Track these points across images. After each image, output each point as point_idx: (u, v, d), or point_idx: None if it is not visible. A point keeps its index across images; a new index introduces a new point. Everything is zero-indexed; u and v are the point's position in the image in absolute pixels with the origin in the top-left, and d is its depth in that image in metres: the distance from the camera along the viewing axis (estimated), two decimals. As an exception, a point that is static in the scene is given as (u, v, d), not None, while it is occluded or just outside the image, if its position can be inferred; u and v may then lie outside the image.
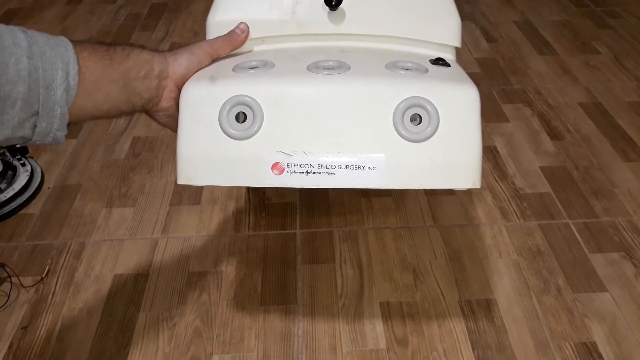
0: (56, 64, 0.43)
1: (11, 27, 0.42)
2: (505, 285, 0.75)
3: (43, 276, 0.77)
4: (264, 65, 0.52)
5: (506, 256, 0.79)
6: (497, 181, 0.93)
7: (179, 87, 0.52)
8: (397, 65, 0.51)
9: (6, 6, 1.60)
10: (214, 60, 0.54)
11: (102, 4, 1.60)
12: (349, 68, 0.50)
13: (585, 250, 0.80)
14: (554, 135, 1.04)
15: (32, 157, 0.99)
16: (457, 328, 0.69)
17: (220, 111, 0.48)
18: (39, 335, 0.70)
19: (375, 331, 0.69)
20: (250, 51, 0.57)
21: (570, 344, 0.67)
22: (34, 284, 0.76)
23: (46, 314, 0.72)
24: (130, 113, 0.51)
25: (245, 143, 0.48)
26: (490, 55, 1.31)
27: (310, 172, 0.47)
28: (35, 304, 0.74)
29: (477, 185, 0.48)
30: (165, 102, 0.52)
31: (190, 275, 0.77)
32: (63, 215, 0.88)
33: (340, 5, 0.56)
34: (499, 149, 1.00)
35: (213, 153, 0.48)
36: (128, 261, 0.80)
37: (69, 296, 0.75)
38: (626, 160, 0.97)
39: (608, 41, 1.36)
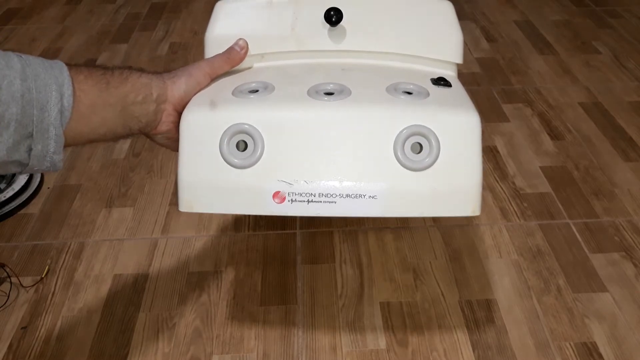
0: (50, 85, 0.42)
1: (5, 51, 0.42)
2: (505, 286, 0.75)
3: (43, 276, 0.77)
4: (264, 89, 0.51)
5: (506, 256, 0.79)
6: (497, 181, 0.93)
7: (178, 110, 0.52)
8: (398, 89, 0.51)
9: (6, 6, 1.60)
10: (213, 80, 0.54)
11: (101, 3, 1.60)
12: (349, 93, 0.50)
13: (586, 250, 0.80)
14: (554, 135, 1.04)
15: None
16: (457, 328, 0.69)
17: (221, 139, 0.48)
18: (38, 335, 0.69)
19: (375, 331, 0.69)
20: (250, 67, 0.56)
21: (570, 344, 0.67)
22: (34, 284, 0.76)
23: (46, 314, 0.72)
24: (127, 136, 0.51)
25: (246, 171, 0.48)
26: (491, 55, 1.31)
27: (312, 201, 0.47)
28: (35, 304, 0.74)
29: (477, 213, 0.48)
30: (164, 126, 0.52)
31: (190, 275, 0.77)
32: (63, 216, 0.88)
33: (341, 22, 0.55)
34: (499, 149, 1.00)
35: (214, 181, 0.48)
36: (128, 261, 0.80)
37: (69, 296, 0.75)
38: (626, 160, 0.97)
39: (608, 41, 1.36)
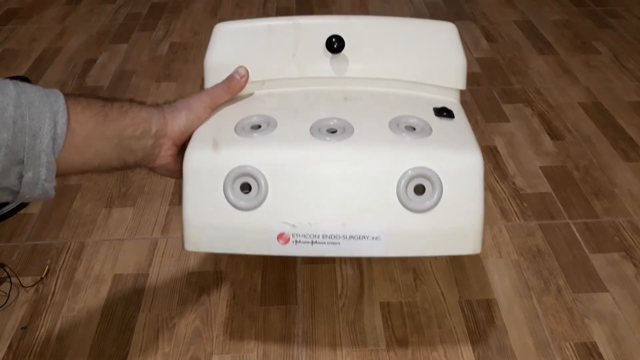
0: (44, 113, 0.42)
1: (2, 79, 0.42)
2: (505, 286, 0.75)
3: (43, 276, 0.77)
4: (266, 125, 0.51)
5: (506, 256, 0.79)
6: (497, 181, 0.93)
7: (177, 144, 0.51)
8: (401, 124, 0.51)
9: (6, 6, 1.60)
10: (213, 110, 0.54)
11: (101, 3, 1.60)
12: (352, 131, 0.49)
13: (586, 250, 0.80)
14: (554, 135, 1.04)
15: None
16: (457, 328, 0.69)
17: (224, 182, 0.48)
18: (38, 335, 0.69)
19: (375, 331, 0.69)
20: (251, 94, 0.56)
21: (570, 344, 0.67)
22: (34, 284, 0.76)
23: (46, 314, 0.72)
24: (122, 169, 0.50)
25: (250, 213, 0.48)
26: (491, 55, 1.31)
27: (316, 242, 0.48)
28: (35, 304, 0.74)
29: (478, 251, 0.49)
30: (162, 160, 0.52)
31: (190, 275, 0.77)
32: (63, 216, 0.88)
33: (342, 50, 0.54)
34: (499, 149, 1.00)
35: (219, 222, 0.49)
36: (128, 261, 0.80)
37: (69, 296, 0.75)
38: (626, 160, 0.97)
39: (608, 41, 1.36)
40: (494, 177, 0.94)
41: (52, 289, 0.76)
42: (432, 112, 0.53)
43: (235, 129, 0.51)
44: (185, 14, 1.53)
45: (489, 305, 0.72)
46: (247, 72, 0.55)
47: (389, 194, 0.47)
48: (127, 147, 0.48)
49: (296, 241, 0.48)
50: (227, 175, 0.48)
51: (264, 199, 0.47)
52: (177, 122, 0.51)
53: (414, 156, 0.47)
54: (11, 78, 1.20)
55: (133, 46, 1.37)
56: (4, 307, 0.73)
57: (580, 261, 0.78)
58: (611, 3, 1.54)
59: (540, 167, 0.96)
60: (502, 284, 0.75)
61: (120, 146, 0.48)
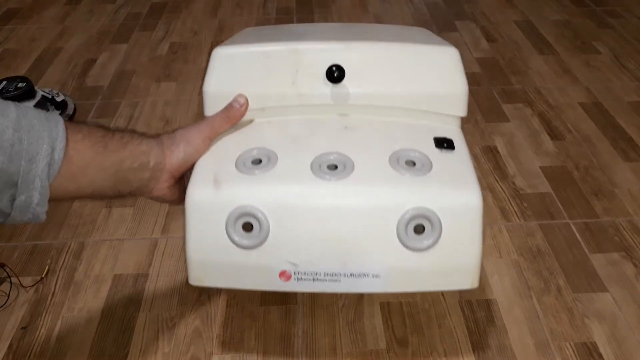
0: (43, 138, 0.42)
1: (5, 101, 0.42)
2: (505, 286, 0.75)
3: (43, 276, 0.77)
4: (267, 160, 0.51)
5: (506, 256, 0.79)
6: (497, 181, 0.93)
7: (175, 176, 0.52)
8: (401, 159, 0.51)
9: (6, 6, 1.60)
10: (212, 139, 0.54)
11: (101, 3, 1.60)
12: (352, 167, 0.50)
13: (586, 250, 0.80)
14: (555, 135, 1.04)
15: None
16: (457, 328, 0.69)
17: (227, 222, 0.48)
18: (38, 335, 0.69)
19: (375, 331, 0.69)
20: (250, 121, 0.56)
21: (570, 344, 0.67)
22: (34, 284, 0.76)
23: (46, 314, 0.72)
24: (116, 198, 0.50)
25: (252, 251, 0.49)
26: (491, 55, 1.31)
27: (317, 280, 0.49)
28: (35, 304, 0.74)
29: (475, 286, 0.50)
30: (159, 192, 0.52)
31: (190, 275, 0.77)
32: (63, 215, 0.88)
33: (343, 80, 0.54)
34: (499, 149, 1.00)
35: (222, 260, 0.49)
36: (128, 261, 0.80)
37: (69, 296, 0.75)
38: (626, 160, 0.97)
39: (608, 41, 1.36)
40: (494, 177, 0.94)
41: (52, 289, 0.76)
42: (432, 143, 0.53)
43: (236, 164, 0.51)
44: (185, 14, 1.53)
45: (489, 305, 0.72)
46: (247, 100, 0.54)
47: (388, 234, 0.48)
48: (123, 178, 0.48)
49: (298, 278, 0.49)
50: (229, 215, 0.48)
51: (266, 237, 0.48)
52: (175, 155, 0.51)
53: (414, 196, 0.48)
54: (11, 78, 1.19)
55: (133, 46, 1.38)
56: (4, 307, 0.73)
57: (580, 261, 0.78)
58: (611, 3, 1.54)
59: (540, 167, 0.96)
60: (502, 284, 0.75)
61: (117, 177, 0.48)
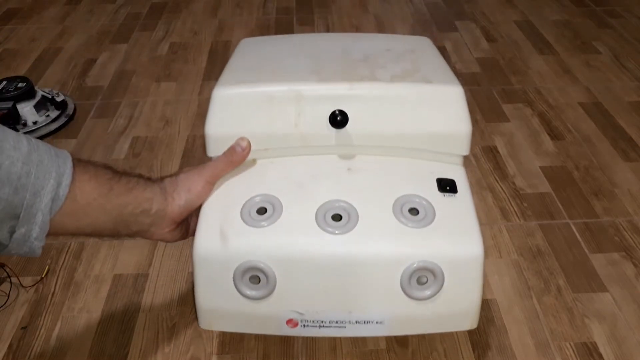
0: (50, 173, 0.42)
1: (19, 133, 0.43)
2: (505, 286, 0.75)
3: (43, 276, 0.77)
4: (272, 209, 0.51)
5: (506, 256, 0.79)
6: (497, 181, 0.93)
7: (176, 221, 0.52)
8: (405, 207, 0.51)
9: (6, 6, 1.60)
10: (214, 184, 0.54)
11: (101, 3, 1.60)
12: (356, 218, 0.50)
13: (586, 250, 0.80)
14: (555, 135, 1.04)
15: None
16: (457, 328, 0.69)
17: (234, 275, 0.49)
18: (38, 335, 0.70)
19: (376, 331, 0.69)
20: (253, 161, 0.56)
21: (570, 344, 0.67)
22: (34, 284, 0.76)
23: (46, 314, 0.72)
24: (114, 237, 0.51)
25: (260, 302, 0.50)
26: (491, 55, 1.31)
27: (323, 326, 0.51)
28: (35, 304, 0.74)
29: (474, 327, 0.52)
30: (159, 236, 0.53)
31: (190, 275, 0.77)
32: (63, 215, 0.88)
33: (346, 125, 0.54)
34: (499, 149, 1.00)
35: (230, 308, 0.51)
36: (128, 261, 0.80)
37: (69, 296, 0.75)
38: (626, 160, 0.97)
39: (609, 41, 1.36)
40: (494, 177, 0.94)
41: (52, 289, 0.76)
42: (435, 185, 0.53)
43: (241, 214, 0.51)
44: (185, 14, 1.53)
45: (489, 305, 0.72)
46: (249, 144, 0.54)
47: (392, 285, 0.49)
48: (124, 222, 0.49)
49: (304, 325, 0.51)
50: (237, 269, 0.49)
51: (273, 289, 0.49)
52: (176, 203, 0.51)
53: (417, 250, 0.49)
54: (11, 78, 1.19)
55: (133, 46, 1.38)
56: (3, 307, 0.73)
57: (580, 261, 0.79)
58: (611, 3, 1.55)
59: (540, 167, 0.96)
60: (502, 283, 0.75)
61: (118, 220, 0.48)
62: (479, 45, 1.35)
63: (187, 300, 0.74)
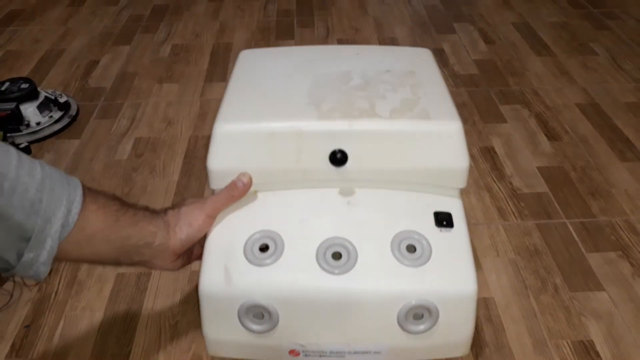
0: (61, 200, 0.43)
1: (33, 159, 0.44)
2: (503, 284, 0.76)
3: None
4: (274, 247, 0.53)
5: (504, 255, 0.80)
6: (494, 181, 0.94)
7: (177, 254, 0.54)
8: (402, 244, 0.53)
9: (8, 7, 1.61)
10: (215, 217, 0.55)
11: (104, 5, 1.61)
12: (356, 257, 0.52)
13: (583, 249, 0.81)
14: (552, 135, 1.05)
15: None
16: (456, 326, 0.70)
17: (238, 311, 0.52)
18: (41, 334, 0.70)
19: (375, 329, 0.70)
20: (254, 192, 0.57)
21: (567, 343, 0.68)
22: (37, 283, 0.77)
23: (49, 312, 0.73)
24: (115, 266, 0.52)
25: (263, 335, 0.53)
26: (489, 57, 1.32)
27: (323, 356, 0.54)
28: (38, 302, 0.74)
29: (466, 354, 0.55)
30: (159, 267, 0.54)
31: (192, 274, 0.78)
32: (65, 215, 0.89)
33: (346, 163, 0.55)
34: (497, 150, 1.01)
35: (236, 339, 0.54)
36: (130, 260, 0.80)
37: (72, 295, 0.75)
38: (623, 161, 0.98)
39: (606, 42, 1.37)
40: (492, 177, 0.95)
41: (55, 288, 0.76)
42: (432, 219, 0.55)
43: (244, 251, 0.53)
44: (187, 16, 1.54)
45: (487, 304, 0.73)
46: (250, 179, 0.55)
47: (389, 321, 0.52)
48: (126, 253, 0.50)
49: (306, 355, 0.54)
50: (241, 306, 0.52)
51: (276, 325, 0.52)
52: (178, 237, 0.52)
53: (414, 289, 0.51)
54: (15, 79, 1.20)
55: (135, 48, 1.39)
56: (7, 305, 0.74)
57: (577, 260, 0.79)
58: (608, 5, 1.55)
59: (538, 168, 0.97)
60: (499, 282, 0.76)
61: (121, 250, 0.49)
62: (477, 47, 1.36)
63: (189, 299, 0.74)
